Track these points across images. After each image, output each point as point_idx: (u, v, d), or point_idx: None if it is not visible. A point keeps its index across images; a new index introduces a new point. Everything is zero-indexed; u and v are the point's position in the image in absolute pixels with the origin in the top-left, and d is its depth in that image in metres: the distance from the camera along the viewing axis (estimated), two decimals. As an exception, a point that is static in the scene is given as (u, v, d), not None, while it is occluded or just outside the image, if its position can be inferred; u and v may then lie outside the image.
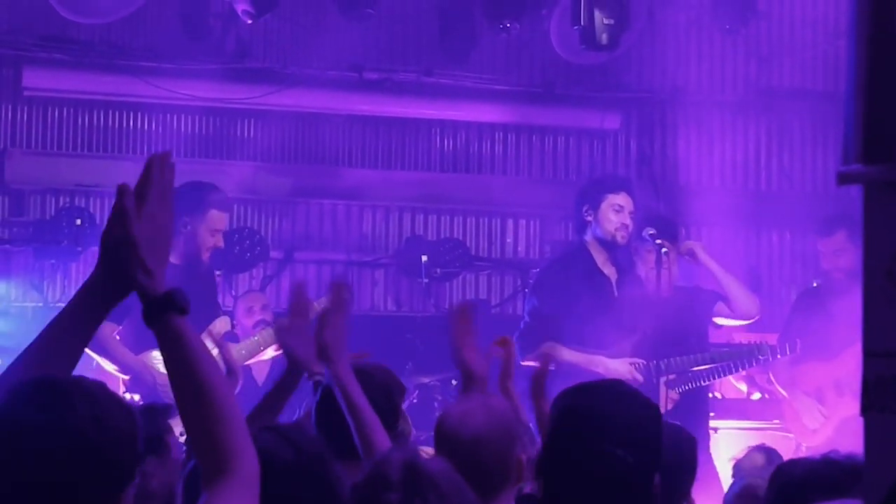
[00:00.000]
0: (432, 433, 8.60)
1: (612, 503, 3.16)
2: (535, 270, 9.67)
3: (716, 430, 7.94)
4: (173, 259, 7.03)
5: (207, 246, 7.25)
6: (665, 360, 7.16)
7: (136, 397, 7.05)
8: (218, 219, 7.29)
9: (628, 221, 7.28)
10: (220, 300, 7.89)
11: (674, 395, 7.20)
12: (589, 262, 7.31)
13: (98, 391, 2.45)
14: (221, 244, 7.38)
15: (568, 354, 7.03)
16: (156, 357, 6.92)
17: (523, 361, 7.08)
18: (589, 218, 7.34)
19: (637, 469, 3.12)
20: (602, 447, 3.12)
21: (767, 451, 5.56)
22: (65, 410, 2.37)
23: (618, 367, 7.07)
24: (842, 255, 7.80)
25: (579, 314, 7.11)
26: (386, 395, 4.30)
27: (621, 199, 7.32)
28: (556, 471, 3.20)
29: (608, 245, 7.33)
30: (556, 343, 7.07)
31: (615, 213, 7.29)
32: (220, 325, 7.22)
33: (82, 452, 2.36)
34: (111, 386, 2.60)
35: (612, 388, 3.32)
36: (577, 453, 3.16)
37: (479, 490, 3.67)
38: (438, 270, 9.62)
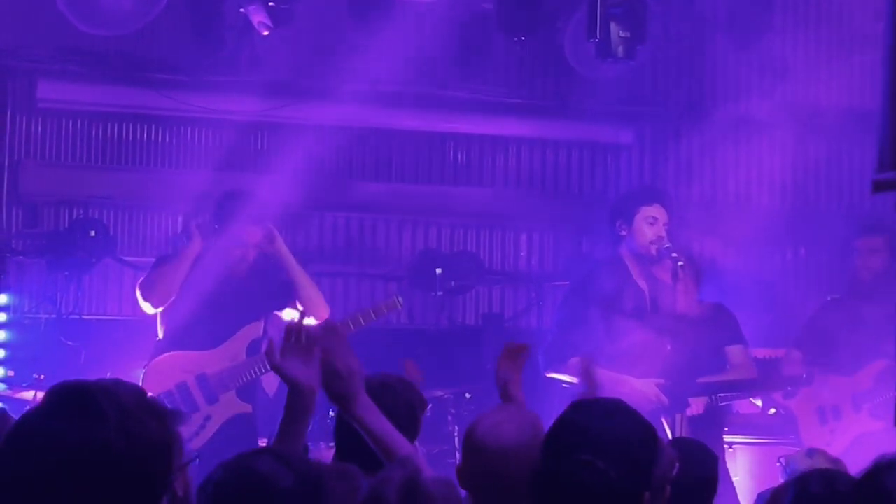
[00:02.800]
0: (445, 447, 8.61)
1: None
2: (549, 284, 9.66)
3: (731, 445, 7.91)
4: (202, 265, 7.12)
5: (233, 259, 7.22)
6: (690, 385, 7.08)
7: None
8: (240, 233, 7.23)
9: (663, 233, 7.13)
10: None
11: (699, 407, 7.14)
12: (625, 273, 7.18)
13: (130, 400, 2.40)
14: (250, 257, 7.29)
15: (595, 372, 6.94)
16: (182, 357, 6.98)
17: (549, 374, 7.04)
18: (623, 232, 7.20)
19: (619, 484, 3.11)
20: (583, 458, 3.12)
21: (835, 463, 5.52)
22: (94, 423, 2.34)
23: (644, 388, 6.95)
24: (875, 255, 7.87)
25: (612, 327, 7.00)
26: (409, 410, 4.32)
27: (655, 210, 7.19)
28: (542, 483, 3.20)
29: (643, 258, 7.21)
30: (584, 359, 6.97)
31: (649, 225, 7.15)
32: (250, 330, 7.19)
33: (112, 466, 2.33)
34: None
35: (607, 406, 3.31)
36: (560, 465, 3.17)
37: (505, 500, 3.68)
38: (452, 283, 9.61)
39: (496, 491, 3.72)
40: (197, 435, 6.91)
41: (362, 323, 7.10)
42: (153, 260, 7.58)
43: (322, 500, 2.91)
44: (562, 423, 3.26)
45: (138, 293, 7.21)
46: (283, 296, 7.38)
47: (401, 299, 7.37)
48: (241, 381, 7.09)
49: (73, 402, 2.37)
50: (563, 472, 3.14)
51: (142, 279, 7.28)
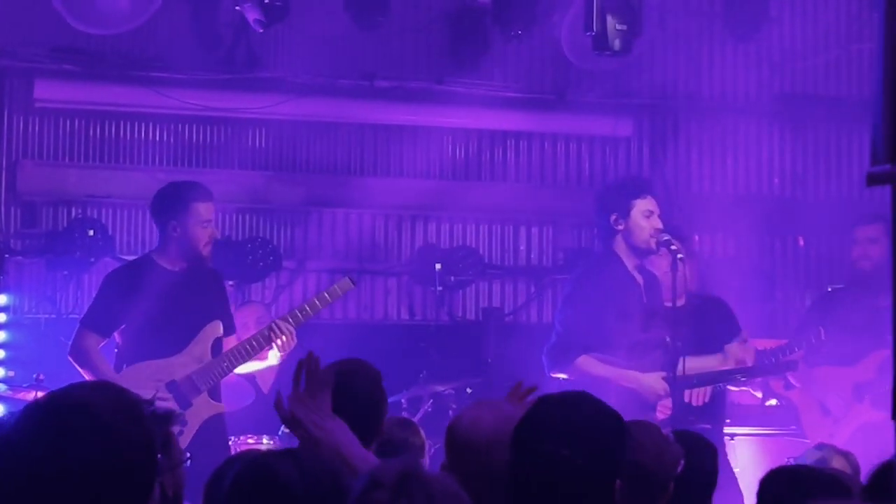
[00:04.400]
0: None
1: (563, 503, 3.16)
2: (549, 278, 9.65)
3: (732, 436, 7.91)
4: (171, 265, 7.05)
5: (203, 241, 7.08)
6: (690, 376, 7.07)
7: None
8: (203, 210, 7.10)
9: (660, 225, 7.11)
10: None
11: (704, 397, 7.16)
12: (621, 269, 7.13)
13: (107, 410, 2.39)
14: (217, 234, 7.22)
15: (602, 369, 6.91)
16: (147, 367, 6.89)
17: (554, 374, 7.02)
18: (619, 227, 7.13)
19: (586, 471, 3.13)
20: (548, 448, 3.14)
21: (846, 455, 5.52)
22: (71, 443, 2.33)
23: (651, 382, 6.93)
24: (875, 244, 7.86)
25: (613, 323, 6.96)
26: (374, 385, 4.41)
27: (649, 203, 7.14)
28: (512, 475, 3.23)
29: (640, 252, 7.16)
30: (589, 356, 6.94)
31: (646, 218, 7.10)
32: (211, 329, 7.12)
33: (92, 481, 2.33)
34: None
35: (573, 398, 3.35)
36: (527, 457, 3.18)
37: (490, 494, 3.69)
38: (452, 278, 9.60)
39: (480, 483, 3.74)
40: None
41: (319, 306, 7.08)
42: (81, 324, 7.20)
43: None
44: (526, 418, 3.29)
45: (69, 356, 7.08)
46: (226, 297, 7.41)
47: (353, 279, 7.32)
48: (210, 382, 7.00)
49: (49, 423, 2.37)
50: (531, 464, 3.18)
51: (72, 347, 7.05)
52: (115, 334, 7.04)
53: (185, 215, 7.05)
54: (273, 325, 7.02)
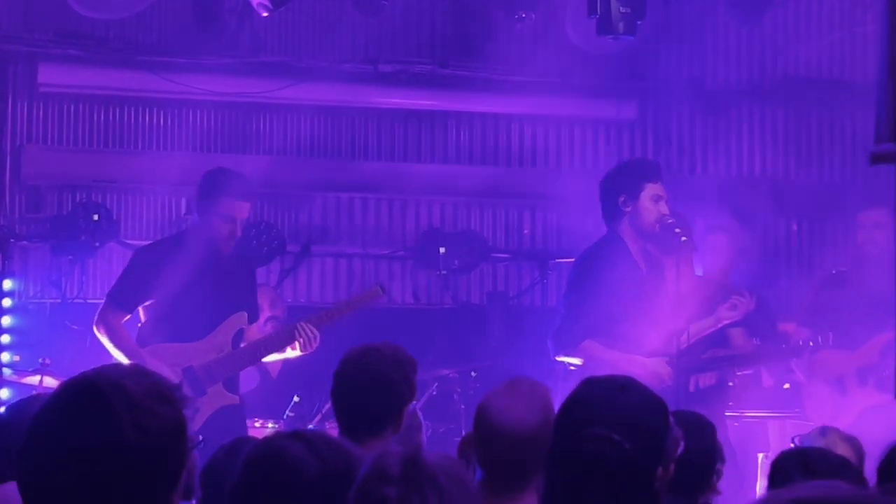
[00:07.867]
0: (452, 426, 8.58)
1: (607, 488, 3.14)
2: (553, 261, 9.65)
3: (736, 419, 7.91)
4: (202, 249, 7.00)
5: (221, 236, 7.03)
6: (697, 358, 7.07)
7: None
8: (230, 206, 6.99)
9: (666, 210, 7.08)
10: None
11: (709, 380, 7.18)
12: (625, 252, 7.11)
13: (140, 391, 2.40)
14: (238, 233, 7.08)
15: (606, 354, 6.91)
16: (166, 349, 6.89)
17: (559, 358, 7.02)
18: (627, 208, 7.10)
19: (634, 457, 3.12)
20: (597, 432, 3.13)
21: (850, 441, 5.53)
22: (107, 422, 2.34)
23: (656, 367, 6.92)
24: (880, 229, 7.86)
25: (617, 308, 6.95)
26: (396, 367, 4.44)
27: (658, 188, 7.12)
28: (556, 458, 3.21)
29: (643, 234, 7.15)
30: (594, 341, 6.93)
31: (653, 202, 7.07)
32: (235, 320, 7.10)
33: (128, 462, 2.34)
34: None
35: (619, 381, 3.33)
36: (575, 440, 3.17)
37: (517, 477, 3.72)
38: (456, 262, 9.61)
39: (507, 469, 3.77)
40: None
41: (344, 313, 7.04)
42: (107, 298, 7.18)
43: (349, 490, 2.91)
44: (574, 399, 3.26)
45: (94, 328, 7.04)
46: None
47: (383, 287, 7.28)
48: (228, 373, 6.97)
49: (85, 401, 2.38)
50: (578, 447, 3.14)
51: (97, 319, 7.02)
52: (140, 311, 7.01)
53: (210, 204, 6.99)
54: (298, 326, 6.96)
